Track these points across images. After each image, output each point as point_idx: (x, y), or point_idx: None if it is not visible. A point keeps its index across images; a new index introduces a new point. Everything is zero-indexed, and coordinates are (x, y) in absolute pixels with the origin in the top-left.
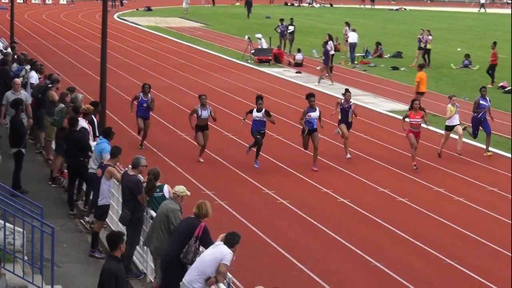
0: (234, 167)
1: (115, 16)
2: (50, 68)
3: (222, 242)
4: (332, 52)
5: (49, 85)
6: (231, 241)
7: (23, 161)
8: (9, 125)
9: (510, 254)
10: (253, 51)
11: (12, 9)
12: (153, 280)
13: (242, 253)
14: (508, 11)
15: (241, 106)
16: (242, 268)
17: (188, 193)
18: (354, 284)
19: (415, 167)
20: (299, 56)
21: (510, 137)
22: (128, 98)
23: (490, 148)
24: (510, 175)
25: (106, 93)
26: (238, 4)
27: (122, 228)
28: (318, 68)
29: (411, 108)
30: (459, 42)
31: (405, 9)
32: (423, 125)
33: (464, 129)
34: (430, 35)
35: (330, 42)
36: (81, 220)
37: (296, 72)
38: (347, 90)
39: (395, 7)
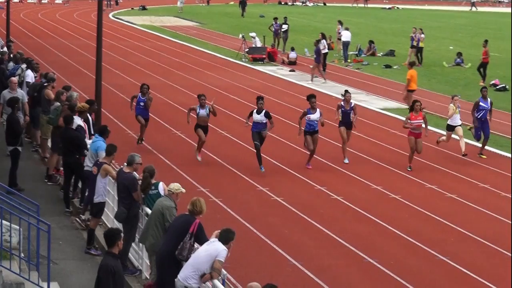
0: (228, 165)
1: (110, 15)
2: (46, 67)
3: (216, 239)
4: (326, 50)
5: (45, 84)
6: (225, 237)
7: (19, 159)
8: (5, 123)
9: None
10: (247, 49)
11: (8, 8)
12: (148, 277)
13: (236, 250)
14: (499, 9)
15: (235, 104)
16: (237, 265)
17: (183, 190)
18: (347, 279)
19: (409, 169)
20: (292, 55)
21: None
22: (123, 96)
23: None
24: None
25: (101, 92)
26: (232, 3)
27: (118, 225)
28: (311, 66)
29: (412, 109)
30: (451, 40)
31: (397, 7)
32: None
33: (469, 129)
34: (423, 33)
35: (323, 41)
36: (77, 218)
37: (290, 71)
38: (346, 91)
39: (387, 6)
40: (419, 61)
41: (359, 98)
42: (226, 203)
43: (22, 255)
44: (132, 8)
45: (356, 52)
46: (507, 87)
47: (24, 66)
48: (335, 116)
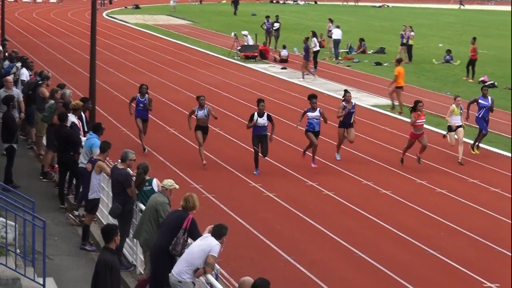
0: (221, 161)
1: (104, 14)
2: (41, 65)
3: (209, 234)
4: (317, 48)
5: (40, 82)
6: (218, 233)
7: (15, 157)
8: (1, 121)
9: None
10: (239, 47)
11: (2, 8)
12: (142, 272)
13: (229, 245)
14: (486, 7)
15: (228, 101)
16: (230, 259)
17: (177, 186)
18: (338, 274)
19: (401, 163)
20: (284, 53)
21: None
22: (117, 94)
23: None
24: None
25: (95, 90)
26: (224, 1)
27: (112, 221)
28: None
29: (414, 109)
30: (441, 38)
31: (387, 6)
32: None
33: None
34: (412, 31)
35: (314, 39)
36: (70, 214)
37: (282, 68)
38: (346, 91)
39: (378, 4)
40: (409, 58)
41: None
42: (219, 199)
43: (18, 251)
44: (126, 7)
45: (347, 50)
46: (495, 83)
47: (19, 64)
48: (338, 114)
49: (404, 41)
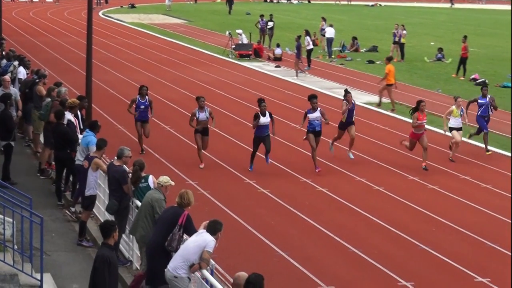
0: (216, 158)
1: (100, 13)
2: (38, 64)
3: (205, 230)
4: (311, 46)
5: (37, 80)
6: (213, 228)
7: (12, 154)
8: None
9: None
10: (234, 46)
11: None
12: (139, 268)
13: (224, 241)
14: (477, 6)
15: (222, 99)
16: (225, 255)
17: (172, 183)
18: (332, 269)
19: (424, 169)
20: (278, 51)
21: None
22: (113, 92)
23: (467, 140)
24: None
25: (92, 88)
26: (219, 1)
27: (109, 217)
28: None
29: (417, 109)
30: (432, 36)
31: (380, 5)
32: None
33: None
34: (405, 29)
35: (308, 38)
36: (67, 210)
37: (276, 66)
38: (347, 91)
39: (370, 3)
40: (402, 56)
41: (343, 93)
42: (214, 196)
43: (16, 247)
44: (121, 6)
45: (340, 48)
46: (486, 81)
47: (16, 63)
48: (343, 117)
49: (397, 39)
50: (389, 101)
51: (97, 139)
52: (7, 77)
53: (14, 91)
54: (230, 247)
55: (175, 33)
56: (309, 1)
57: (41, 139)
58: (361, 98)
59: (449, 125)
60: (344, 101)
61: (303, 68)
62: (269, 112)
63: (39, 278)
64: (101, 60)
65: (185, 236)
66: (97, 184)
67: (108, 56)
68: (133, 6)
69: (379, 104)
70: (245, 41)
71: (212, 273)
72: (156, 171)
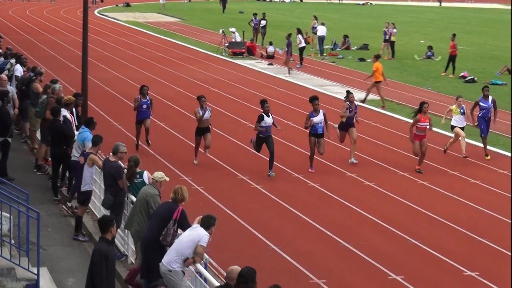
0: (210, 154)
1: (95, 12)
2: (34, 62)
3: (198, 225)
4: (303, 44)
5: (33, 78)
6: (207, 223)
7: (9, 150)
8: None
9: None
10: (227, 44)
11: None
12: (134, 262)
13: (218, 235)
14: (466, 5)
15: (216, 96)
16: (218, 249)
17: (167, 178)
18: (324, 263)
19: (419, 171)
20: (271, 49)
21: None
22: (109, 89)
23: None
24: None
25: (87, 85)
26: None
27: (105, 212)
28: (291, 60)
29: (420, 111)
30: (422, 34)
31: (371, 3)
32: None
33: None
34: (395, 28)
35: (300, 36)
36: (64, 205)
37: (268, 64)
38: (348, 92)
39: (361, 2)
40: (392, 54)
41: (335, 90)
42: (207, 191)
43: (13, 241)
44: (117, 5)
45: (332, 46)
46: (475, 79)
47: (13, 61)
48: (341, 114)
49: (387, 37)
50: (378, 98)
51: (93, 135)
52: (4, 75)
53: (11, 89)
54: (224, 241)
55: (170, 31)
56: (301, 0)
57: (38, 135)
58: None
59: (452, 124)
60: (347, 102)
61: (296, 66)
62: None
63: (35, 272)
64: (97, 58)
65: (179, 230)
66: (93, 180)
67: (103, 54)
68: (128, 5)
69: (363, 101)
70: (238, 39)
71: (206, 267)
72: (151, 167)
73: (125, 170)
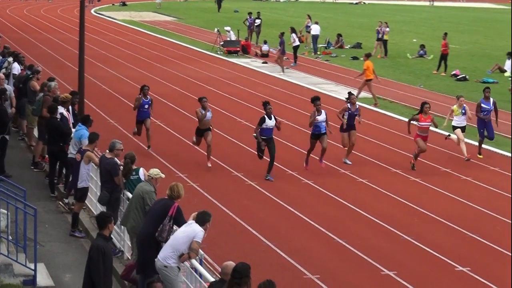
0: (205, 151)
1: (92, 11)
2: (32, 60)
3: (194, 221)
4: (297, 43)
5: (30, 76)
6: (201, 219)
7: (7, 147)
8: None
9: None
10: (222, 43)
11: None
12: (130, 257)
13: (213, 231)
14: (458, 4)
15: (212, 94)
16: (213, 245)
17: (162, 175)
18: (318, 259)
19: (413, 166)
20: (265, 48)
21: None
22: (105, 87)
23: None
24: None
25: (84, 83)
26: None
27: (101, 209)
28: (285, 58)
29: (421, 111)
30: (415, 33)
31: (364, 3)
32: (432, 128)
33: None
34: (388, 27)
35: (294, 35)
36: (60, 202)
37: (263, 63)
38: (350, 93)
39: (355, 1)
40: (385, 53)
41: (328, 88)
42: (203, 188)
43: (10, 237)
44: (113, 4)
45: (325, 45)
46: (467, 77)
47: (10, 59)
48: (341, 121)
49: (380, 36)
50: (371, 96)
51: (89, 133)
52: (1, 73)
53: (9, 87)
54: (219, 237)
55: (165, 30)
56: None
57: (35, 133)
58: (345, 93)
59: (453, 124)
60: (348, 103)
61: (290, 64)
62: (274, 116)
63: (33, 267)
64: (93, 56)
65: (174, 227)
66: (89, 177)
67: (100, 53)
68: (124, 4)
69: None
70: (233, 38)
71: (201, 263)
72: (146, 164)
73: (121, 167)
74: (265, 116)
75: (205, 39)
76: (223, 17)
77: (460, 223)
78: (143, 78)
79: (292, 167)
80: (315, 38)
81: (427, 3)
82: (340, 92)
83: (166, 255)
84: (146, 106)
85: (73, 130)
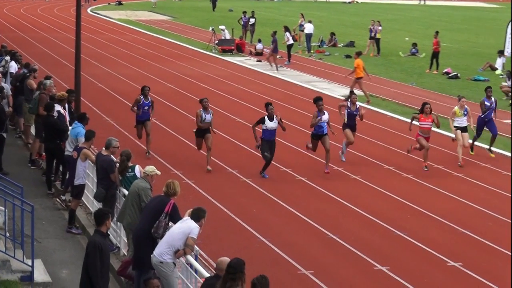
0: (205, 152)
1: (88, 10)
2: (29, 59)
3: (189, 217)
4: (290, 42)
5: (27, 74)
6: (197, 215)
7: (4, 145)
8: None
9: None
10: (217, 41)
11: None
12: (126, 253)
13: (208, 227)
14: (450, 3)
15: (206, 92)
16: (208, 241)
17: (158, 172)
18: (311, 254)
19: (426, 168)
20: (259, 46)
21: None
22: (101, 86)
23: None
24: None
25: (80, 81)
26: None
27: (97, 205)
28: (279, 57)
29: (421, 111)
30: (407, 32)
31: (357, 2)
32: (433, 128)
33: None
34: (380, 25)
35: (287, 33)
36: (57, 199)
37: (257, 61)
38: (352, 92)
39: (347, 0)
40: (378, 51)
41: (322, 86)
42: (198, 185)
43: (8, 234)
44: (109, 3)
45: (319, 43)
46: (458, 75)
47: (7, 58)
48: (340, 117)
49: (373, 35)
50: (363, 94)
51: (86, 130)
52: None
53: (6, 86)
54: (214, 233)
55: (161, 29)
56: None
57: (32, 130)
58: (338, 91)
59: (454, 125)
60: (349, 101)
61: (284, 63)
62: (276, 116)
63: (30, 264)
64: (90, 55)
65: (170, 223)
66: (86, 174)
67: (96, 51)
68: (120, 3)
69: (347, 98)
70: (228, 36)
71: (196, 259)
72: (142, 161)
73: (117, 164)
74: (265, 117)
75: (200, 37)
76: (218, 16)
77: (451, 219)
78: (139, 76)
79: (286, 164)
80: (308, 36)
81: (419, 2)
82: (333, 90)
83: (161, 251)
84: (146, 108)
85: (69, 128)
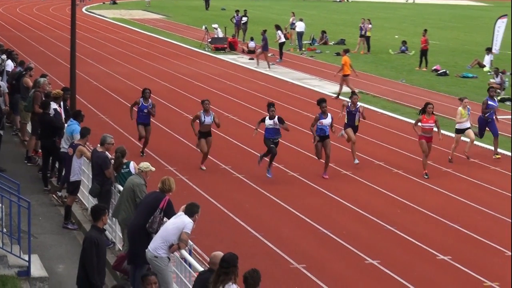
0: (194, 145)
1: (83, 9)
2: (24, 57)
3: (183, 213)
4: (282, 40)
5: (23, 72)
6: (190, 211)
7: (1, 142)
8: None
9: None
10: (210, 40)
11: None
12: (121, 248)
13: (202, 223)
14: (439, 2)
15: (199, 90)
16: (202, 236)
17: (152, 169)
18: (303, 248)
19: (426, 176)
20: (251, 44)
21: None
22: (96, 83)
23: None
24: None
25: (75, 80)
26: None
27: (92, 201)
28: (270, 55)
29: (423, 112)
30: (397, 30)
31: (347, 0)
32: (434, 129)
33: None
34: (370, 23)
35: (279, 32)
36: (53, 195)
37: (249, 59)
38: (353, 93)
39: None
40: (368, 49)
41: (313, 83)
42: (192, 181)
43: (5, 230)
44: (104, 3)
45: (310, 41)
46: (447, 72)
47: (4, 56)
48: (339, 115)
49: (363, 33)
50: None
51: (81, 127)
52: None
53: (2, 84)
54: (207, 228)
55: (155, 28)
56: None
57: (29, 128)
58: (329, 88)
59: (456, 127)
60: (350, 102)
61: (276, 60)
62: (279, 117)
63: (27, 259)
64: (85, 53)
65: (165, 218)
66: (81, 170)
67: (91, 50)
68: (114, 3)
69: (337, 96)
70: (221, 35)
71: (190, 253)
72: (137, 158)
73: (112, 160)
74: (266, 117)
75: (193, 36)
76: (211, 14)
77: (441, 213)
78: (133, 74)
79: (279, 160)
80: (300, 35)
81: (406, 1)
82: (323, 86)
83: (156, 246)
84: (145, 111)
85: (65, 125)
